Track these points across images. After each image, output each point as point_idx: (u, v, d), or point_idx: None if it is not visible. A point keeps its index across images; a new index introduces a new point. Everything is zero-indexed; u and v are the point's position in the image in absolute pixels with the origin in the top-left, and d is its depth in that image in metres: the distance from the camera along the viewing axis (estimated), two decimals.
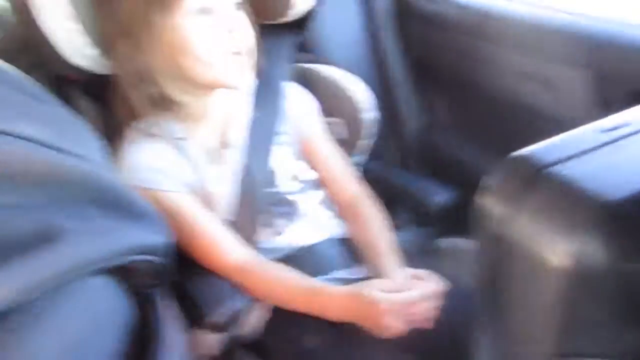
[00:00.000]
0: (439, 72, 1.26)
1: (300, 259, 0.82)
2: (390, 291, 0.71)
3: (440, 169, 1.23)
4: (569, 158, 0.35)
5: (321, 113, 0.94)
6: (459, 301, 0.64)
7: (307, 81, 0.97)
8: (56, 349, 0.33)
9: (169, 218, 0.74)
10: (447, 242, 1.03)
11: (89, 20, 0.75)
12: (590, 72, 0.93)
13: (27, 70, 0.99)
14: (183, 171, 0.78)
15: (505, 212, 0.36)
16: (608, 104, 0.93)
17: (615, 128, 0.37)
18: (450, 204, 1.05)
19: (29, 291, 0.32)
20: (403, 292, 0.70)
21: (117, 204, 0.41)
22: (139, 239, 0.43)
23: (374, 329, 0.70)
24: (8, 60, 1.02)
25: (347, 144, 0.97)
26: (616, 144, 0.36)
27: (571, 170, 0.34)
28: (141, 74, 0.75)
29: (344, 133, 0.98)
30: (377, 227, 0.86)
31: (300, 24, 0.94)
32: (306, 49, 1.05)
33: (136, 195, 0.45)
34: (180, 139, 0.79)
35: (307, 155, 0.90)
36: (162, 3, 0.71)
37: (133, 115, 0.78)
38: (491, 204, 0.37)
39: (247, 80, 0.80)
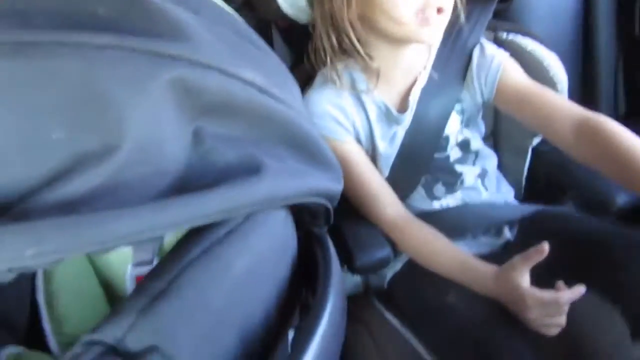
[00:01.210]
0: None
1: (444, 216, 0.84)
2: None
3: None
4: None
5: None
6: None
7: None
8: (246, 263, 0.40)
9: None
10: None
11: None
12: None
13: (239, 10, 1.10)
14: (357, 123, 0.83)
15: None
16: None
17: None
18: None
19: (231, 211, 0.39)
20: (553, 293, 0.67)
21: (309, 150, 0.47)
22: (322, 184, 0.48)
23: (519, 315, 0.69)
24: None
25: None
26: None
27: None
28: (336, 24, 0.78)
29: None
30: (632, 139, 0.70)
31: None
32: (506, 17, 1.00)
33: (324, 145, 0.50)
34: (362, 91, 0.82)
35: (507, 104, 0.85)
36: None
37: (323, 62, 0.83)
38: None
39: (438, 39, 0.79)
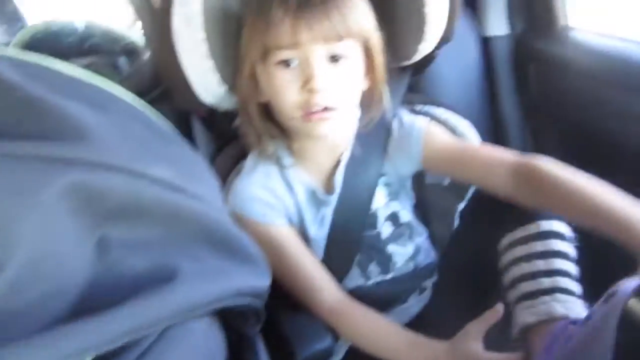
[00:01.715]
0: (558, 121, 1.19)
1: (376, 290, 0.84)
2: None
3: None
4: None
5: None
6: None
7: None
8: None
9: (271, 251, 0.77)
10: None
11: (219, 59, 0.78)
12: None
13: (155, 103, 1.08)
14: (288, 207, 0.81)
15: None
16: None
17: None
18: None
19: (143, 329, 0.34)
20: (510, 355, 0.65)
21: (230, 246, 0.43)
22: (246, 282, 0.44)
23: None
24: (138, 92, 1.12)
25: (447, 190, 0.94)
26: None
27: None
28: (259, 110, 0.78)
29: (445, 179, 0.94)
30: (576, 179, 0.68)
31: (419, 66, 0.93)
32: (419, 90, 1.05)
33: (246, 238, 0.46)
34: (290, 172, 0.81)
35: (437, 167, 0.84)
36: (260, 51, 0.72)
37: (252, 144, 0.82)
38: None
39: (342, 130, 0.79)
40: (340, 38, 0.69)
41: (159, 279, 0.36)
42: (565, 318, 0.67)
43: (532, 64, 1.19)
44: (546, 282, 0.70)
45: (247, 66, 0.74)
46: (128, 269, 0.36)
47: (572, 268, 0.72)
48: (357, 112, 0.82)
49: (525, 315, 0.70)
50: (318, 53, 0.69)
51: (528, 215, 0.75)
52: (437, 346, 0.69)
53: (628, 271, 0.57)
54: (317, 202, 0.82)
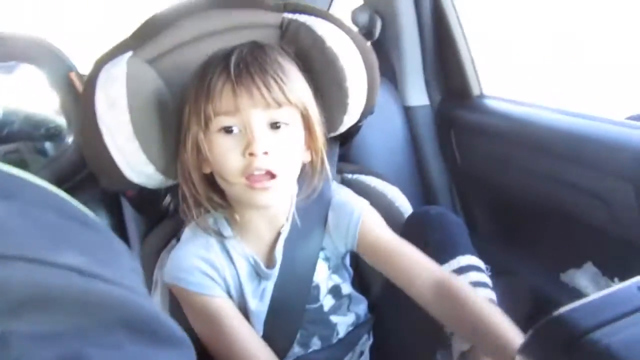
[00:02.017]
0: (481, 182, 1.26)
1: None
2: None
3: None
4: (608, 323, 0.34)
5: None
6: None
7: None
8: None
9: (208, 323, 0.75)
10: None
11: (145, 140, 0.77)
12: (638, 184, 0.90)
13: (81, 185, 1.06)
14: (228, 279, 0.79)
15: None
16: None
17: None
18: None
19: None
20: None
21: (150, 330, 0.41)
22: None
23: None
24: (63, 175, 1.10)
25: None
26: None
27: (609, 338, 0.33)
28: (202, 180, 0.78)
29: None
30: (481, 301, 0.73)
31: (346, 136, 0.96)
32: (349, 159, 1.08)
33: (170, 321, 0.44)
34: (230, 243, 0.80)
35: (369, 257, 0.84)
36: (203, 119, 0.73)
37: (192, 216, 0.80)
38: None
39: (283, 201, 0.80)
40: (279, 105, 0.71)
41: None
42: None
43: (453, 130, 1.27)
44: None
45: (191, 136, 0.75)
46: None
47: (494, 295, 0.80)
48: (295, 186, 0.82)
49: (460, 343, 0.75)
50: (258, 118, 0.71)
51: (448, 253, 0.82)
52: None
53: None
54: (257, 275, 0.81)
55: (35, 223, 0.40)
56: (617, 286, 0.37)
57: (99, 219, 0.50)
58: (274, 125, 0.73)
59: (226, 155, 0.72)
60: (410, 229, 0.88)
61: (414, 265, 0.78)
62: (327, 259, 0.86)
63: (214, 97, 0.71)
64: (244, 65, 0.71)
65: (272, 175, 0.72)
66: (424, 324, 0.77)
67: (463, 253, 0.81)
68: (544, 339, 0.36)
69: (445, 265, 0.80)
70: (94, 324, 0.38)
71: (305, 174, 0.81)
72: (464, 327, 0.72)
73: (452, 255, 0.81)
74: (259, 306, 0.80)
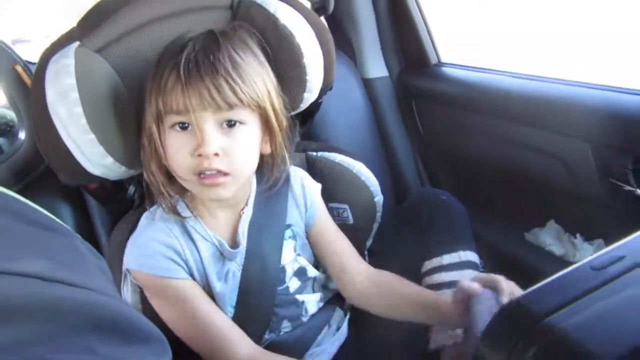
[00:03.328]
0: (445, 150, 1.27)
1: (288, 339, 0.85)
2: None
3: None
4: (564, 306, 0.35)
5: (327, 198, 0.93)
6: None
7: (313, 168, 0.98)
8: None
9: (176, 306, 0.76)
10: None
11: (100, 131, 0.75)
12: (594, 143, 0.93)
13: (40, 181, 1.02)
14: (190, 262, 0.79)
15: None
16: (614, 174, 0.92)
17: (608, 264, 0.37)
18: None
19: None
20: None
21: (121, 329, 0.41)
22: None
23: None
24: (20, 172, 1.06)
25: (352, 229, 0.97)
26: (610, 286, 0.36)
27: (566, 321, 0.34)
28: (161, 170, 0.77)
29: (350, 218, 0.97)
30: (411, 284, 0.85)
31: (307, 114, 0.96)
32: (312, 137, 1.08)
33: (141, 318, 0.44)
34: (191, 225, 0.79)
35: (313, 242, 0.89)
36: (156, 114, 0.72)
37: (154, 204, 0.80)
38: (490, 354, 0.36)
39: (240, 192, 0.79)
40: (230, 107, 0.70)
41: None
42: None
43: (413, 100, 1.28)
44: None
45: (146, 129, 0.74)
46: None
47: None
48: (253, 177, 0.82)
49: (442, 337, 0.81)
50: (208, 120, 0.70)
51: (449, 245, 0.89)
52: None
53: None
54: (221, 256, 0.81)
55: None
56: (572, 266, 0.38)
57: (59, 220, 0.49)
58: (229, 124, 0.71)
59: (177, 154, 0.72)
60: (414, 208, 0.96)
61: (347, 260, 0.88)
62: (293, 237, 0.87)
63: (165, 95, 0.70)
64: (194, 64, 0.69)
65: (225, 174, 0.72)
66: None
67: (464, 249, 0.89)
68: (504, 326, 0.37)
69: (446, 256, 0.88)
70: (62, 330, 0.37)
71: (266, 164, 0.81)
72: (403, 311, 0.84)
73: (454, 249, 0.89)
74: (223, 288, 0.80)
